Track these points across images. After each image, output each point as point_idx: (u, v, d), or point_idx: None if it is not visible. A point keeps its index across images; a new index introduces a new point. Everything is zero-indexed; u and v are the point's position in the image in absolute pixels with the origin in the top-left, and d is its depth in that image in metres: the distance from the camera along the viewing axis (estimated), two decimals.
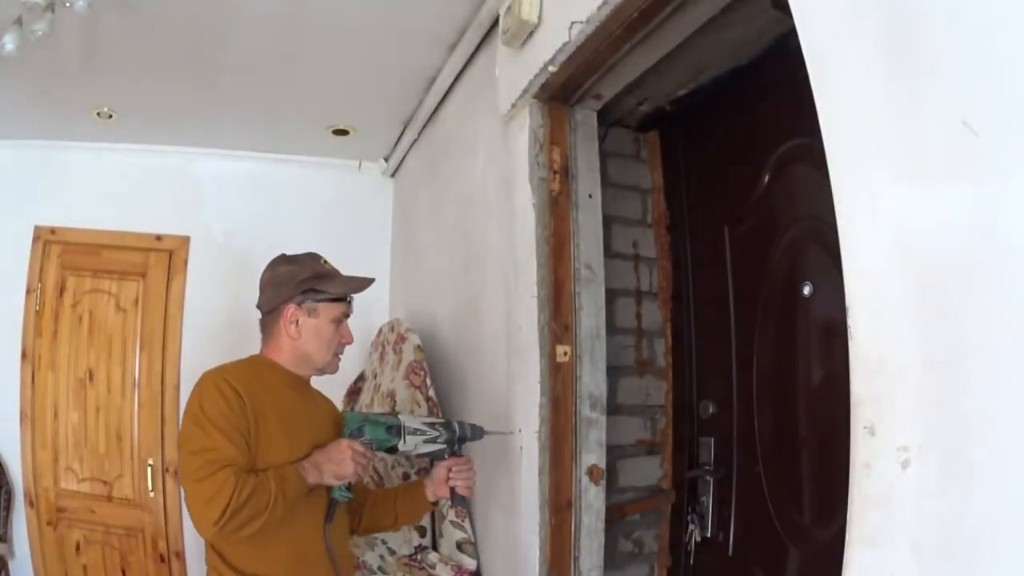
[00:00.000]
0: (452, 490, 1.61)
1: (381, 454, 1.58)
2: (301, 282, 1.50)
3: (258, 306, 1.56)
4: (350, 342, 1.58)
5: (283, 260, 1.56)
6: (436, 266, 2.59)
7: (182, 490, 2.84)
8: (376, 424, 1.51)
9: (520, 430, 1.75)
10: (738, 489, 1.76)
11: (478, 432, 1.64)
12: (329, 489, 1.46)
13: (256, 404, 1.39)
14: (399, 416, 1.58)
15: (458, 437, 1.60)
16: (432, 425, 1.59)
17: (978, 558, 0.69)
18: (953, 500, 0.71)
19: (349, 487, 1.48)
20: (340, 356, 1.58)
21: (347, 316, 1.57)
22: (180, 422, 1.42)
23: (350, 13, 2.02)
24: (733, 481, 1.77)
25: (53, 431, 2.88)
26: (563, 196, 1.76)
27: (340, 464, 1.42)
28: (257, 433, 1.37)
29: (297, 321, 1.50)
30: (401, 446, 1.53)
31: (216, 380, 1.39)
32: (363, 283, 1.56)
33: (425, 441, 1.56)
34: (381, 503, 1.70)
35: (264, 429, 1.39)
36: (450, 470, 1.61)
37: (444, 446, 1.59)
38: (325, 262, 1.57)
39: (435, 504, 1.70)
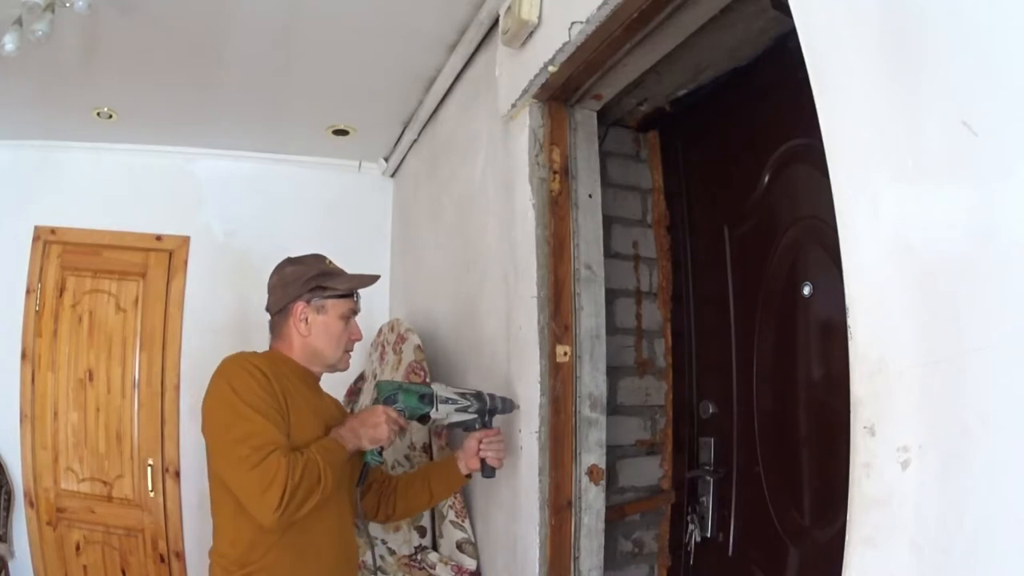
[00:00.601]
0: (483, 461, 1.64)
1: (413, 423, 1.61)
2: (308, 280, 1.53)
3: (267, 308, 1.59)
4: (360, 338, 1.61)
5: (289, 262, 1.59)
6: (436, 266, 2.59)
7: (188, 481, 2.86)
8: (409, 392, 1.54)
9: (520, 430, 1.75)
10: (738, 489, 1.76)
11: (509, 405, 1.66)
12: (362, 454, 1.50)
13: (282, 387, 1.42)
14: (431, 385, 1.61)
15: (489, 408, 1.63)
16: (464, 395, 1.62)
17: (978, 558, 0.69)
18: (953, 500, 0.71)
19: (380, 451, 1.51)
20: (351, 353, 1.61)
21: (355, 313, 1.60)
22: (202, 406, 1.42)
23: (350, 13, 2.01)
24: (733, 481, 1.77)
25: (53, 431, 2.88)
26: (563, 196, 1.76)
27: (376, 427, 1.46)
28: (288, 411, 1.40)
29: (307, 319, 1.53)
30: (433, 414, 1.56)
31: (241, 362, 1.42)
32: (369, 279, 1.60)
33: (457, 410, 1.59)
34: (412, 485, 1.73)
35: (294, 408, 1.42)
36: (480, 441, 1.63)
37: (475, 416, 1.62)
38: (330, 262, 1.61)
39: (469, 477, 1.72)
